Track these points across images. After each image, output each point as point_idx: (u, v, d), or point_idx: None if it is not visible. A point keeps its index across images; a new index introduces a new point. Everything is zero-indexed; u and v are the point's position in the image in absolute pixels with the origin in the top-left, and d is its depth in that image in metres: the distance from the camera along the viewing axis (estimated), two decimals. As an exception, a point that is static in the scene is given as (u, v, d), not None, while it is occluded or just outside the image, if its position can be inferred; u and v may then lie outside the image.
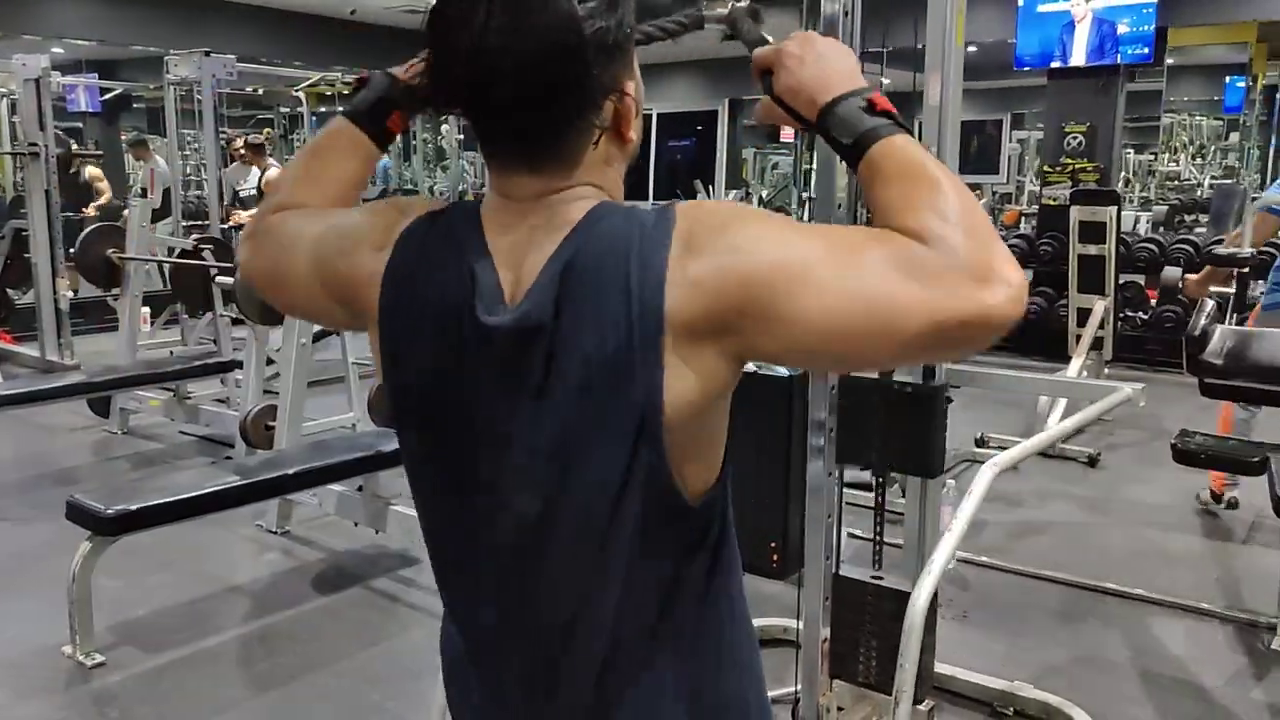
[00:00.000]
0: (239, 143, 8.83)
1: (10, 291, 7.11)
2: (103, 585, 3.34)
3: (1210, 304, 2.92)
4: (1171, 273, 4.09)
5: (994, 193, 12.49)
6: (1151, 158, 12.35)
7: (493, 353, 0.87)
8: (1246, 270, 3.77)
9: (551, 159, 0.88)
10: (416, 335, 0.91)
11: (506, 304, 0.87)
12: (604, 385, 0.83)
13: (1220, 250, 3.70)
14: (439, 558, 1.01)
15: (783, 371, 3.39)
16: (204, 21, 9.54)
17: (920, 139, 2.49)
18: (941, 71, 2.57)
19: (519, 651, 0.96)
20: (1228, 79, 11.86)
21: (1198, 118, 13.07)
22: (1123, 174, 11.75)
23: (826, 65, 0.93)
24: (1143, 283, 7.18)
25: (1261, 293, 3.80)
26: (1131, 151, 12.15)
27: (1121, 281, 7.31)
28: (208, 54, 6.99)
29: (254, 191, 8.24)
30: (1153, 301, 6.86)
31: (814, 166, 2.78)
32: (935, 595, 2.62)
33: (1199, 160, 12.42)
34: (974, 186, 13.13)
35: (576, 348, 0.84)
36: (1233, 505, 4.14)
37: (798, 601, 2.39)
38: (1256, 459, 2.88)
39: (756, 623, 3.06)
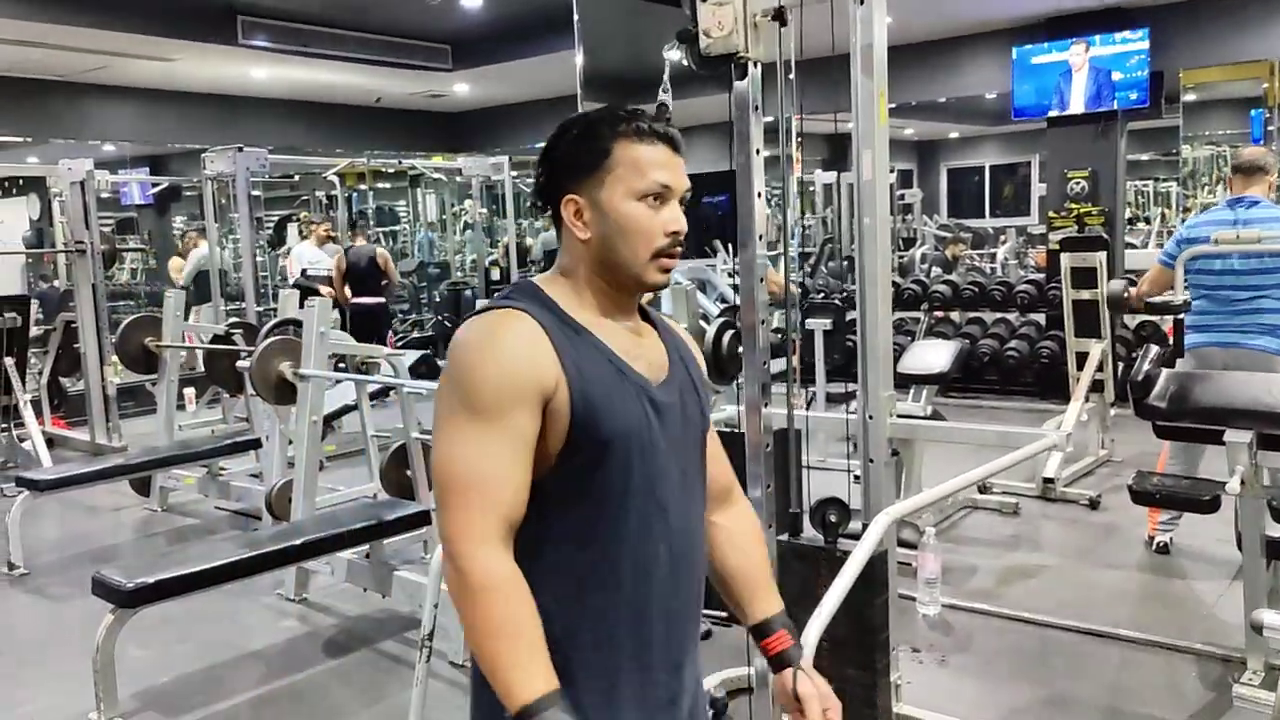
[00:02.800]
0: (324, 228, 9.33)
1: (62, 380, 7.55)
2: (132, 654, 3.60)
3: (1154, 349, 3.04)
4: (1116, 285, 4.20)
5: (1024, 234, 12.58)
6: (1186, 191, 12.32)
7: None
8: (1182, 317, 3.89)
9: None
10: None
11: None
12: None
13: (1155, 300, 3.82)
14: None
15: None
16: (239, 116, 10.11)
17: (858, 203, 2.70)
18: (873, 150, 2.78)
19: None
20: (1251, 111, 11.87)
21: (1223, 149, 13.04)
22: (1159, 209, 11.76)
23: None
24: (1160, 320, 7.22)
25: None
26: (1155, 185, 12.15)
27: (1138, 321, 7.39)
28: (241, 149, 7.43)
29: (324, 272, 8.66)
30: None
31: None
32: (886, 640, 2.75)
33: (1222, 188, 12.36)
34: (1003, 229, 13.25)
35: None
36: (1163, 550, 4.23)
37: (747, 646, 2.53)
38: (1208, 497, 2.97)
39: (733, 673, 3.17)
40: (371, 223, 13.36)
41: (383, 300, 8.97)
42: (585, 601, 1.28)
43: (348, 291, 8.65)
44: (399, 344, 9.06)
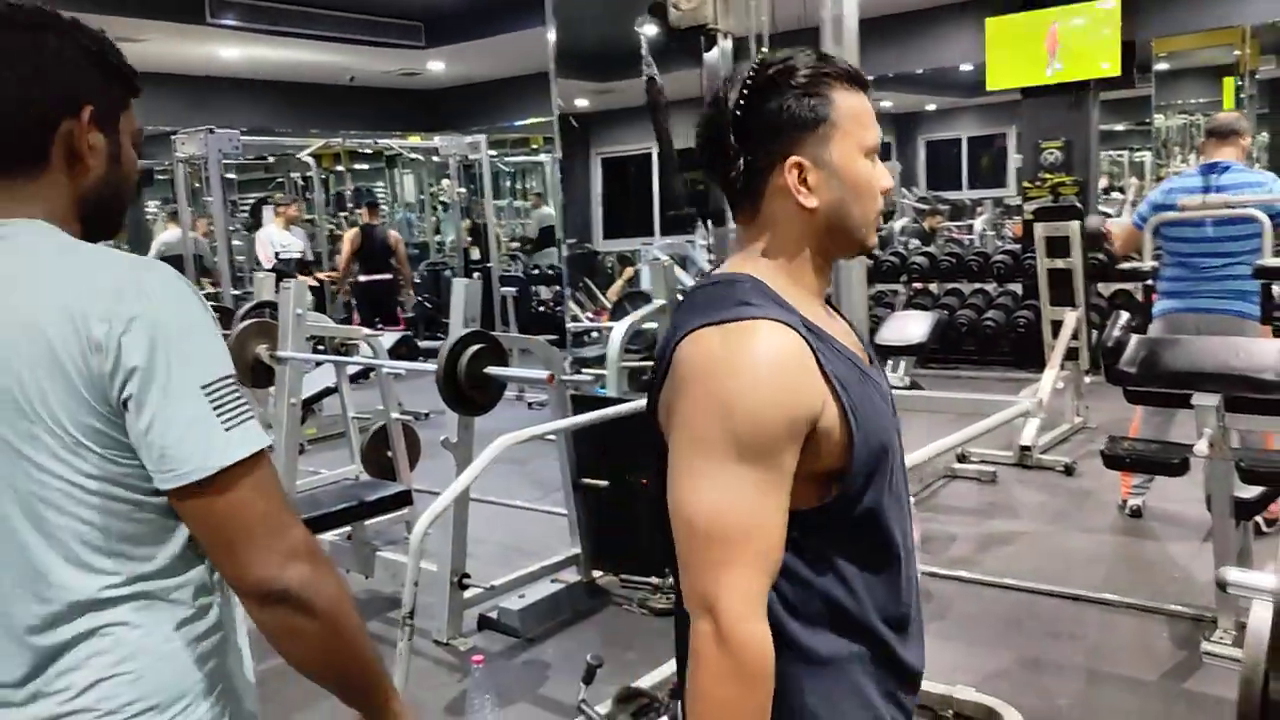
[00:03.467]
0: (293, 209, 9.37)
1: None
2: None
3: (1124, 315, 3.07)
4: (1094, 219, 4.25)
5: (1000, 206, 12.62)
6: (1159, 161, 12.41)
7: None
8: (1151, 282, 3.93)
9: (734, 211, 1.18)
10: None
11: None
12: None
13: (1125, 265, 3.86)
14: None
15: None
16: (211, 97, 10.01)
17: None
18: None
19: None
20: (1224, 79, 11.94)
21: (1196, 117, 13.12)
22: (1133, 179, 11.82)
23: None
24: (1134, 289, 7.29)
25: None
26: (1129, 154, 12.21)
27: (1113, 290, 7.46)
28: (212, 131, 7.36)
29: (296, 255, 8.81)
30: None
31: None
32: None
33: (1195, 157, 12.45)
34: (980, 200, 13.30)
35: None
36: (1136, 514, 4.30)
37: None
38: (1177, 460, 3.02)
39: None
40: (350, 204, 13.30)
41: (391, 277, 9.26)
42: (852, 666, 1.13)
43: (355, 268, 8.87)
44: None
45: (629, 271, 8.87)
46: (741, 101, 1.10)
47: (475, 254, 10.53)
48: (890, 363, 4.93)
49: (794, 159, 1.10)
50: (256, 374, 4.40)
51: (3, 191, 1.04)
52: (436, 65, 10.32)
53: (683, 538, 1.04)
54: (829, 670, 1.10)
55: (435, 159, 11.36)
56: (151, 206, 13.26)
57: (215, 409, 0.99)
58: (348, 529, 3.89)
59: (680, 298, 4.80)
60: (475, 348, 3.30)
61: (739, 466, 1.01)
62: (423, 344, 8.50)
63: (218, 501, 0.99)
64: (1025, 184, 7.58)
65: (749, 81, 1.11)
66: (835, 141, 1.11)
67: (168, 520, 1.03)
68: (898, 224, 11.35)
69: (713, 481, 1.02)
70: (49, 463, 0.98)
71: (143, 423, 0.97)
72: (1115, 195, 11.82)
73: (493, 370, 3.32)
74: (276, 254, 8.70)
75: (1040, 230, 5.38)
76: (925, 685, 2.96)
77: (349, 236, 9.28)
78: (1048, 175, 7.35)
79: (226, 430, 0.99)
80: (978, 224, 11.94)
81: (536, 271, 10.75)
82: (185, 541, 1.05)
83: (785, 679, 1.06)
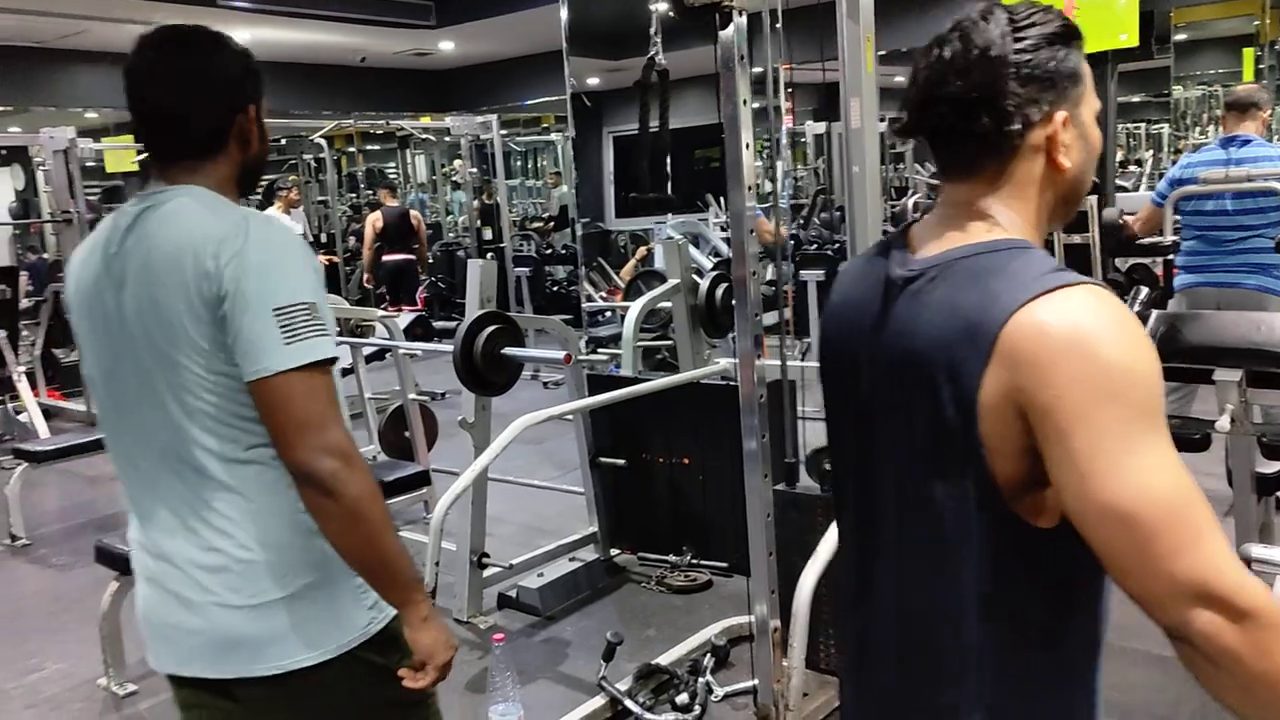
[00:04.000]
0: (294, 194, 9.40)
1: (55, 351, 7.54)
2: (138, 621, 3.63)
3: (1144, 290, 3.05)
4: (1111, 212, 4.21)
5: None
6: (1177, 133, 12.27)
7: None
8: (1171, 257, 3.89)
9: (966, 172, 1.04)
10: None
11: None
12: None
13: (1145, 240, 3.83)
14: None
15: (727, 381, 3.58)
16: (224, 80, 10.01)
17: (846, 152, 2.70)
18: (860, 98, 2.77)
19: None
20: (1243, 50, 11.79)
21: (1214, 89, 12.97)
22: (1150, 151, 11.70)
23: None
24: (1151, 263, 7.21)
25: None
26: (1146, 127, 12.09)
27: (1130, 264, 7.38)
28: (225, 113, 7.35)
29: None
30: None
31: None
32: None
33: (1214, 129, 12.32)
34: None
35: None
36: None
37: (748, 595, 2.57)
38: (1198, 435, 3.00)
39: (734, 621, 3.22)
40: (362, 185, 13.30)
41: (413, 258, 9.47)
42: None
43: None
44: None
45: (642, 251, 8.85)
46: (1021, 50, 1.00)
47: (488, 234, 10.53)
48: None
49: (1064, 114, 1.02)
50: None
51: (185, 169, 1.42)
52: (447, 45, 10.28)
53: (1136, 529, 0.87)
54: None
55: (447, 139, 11.34)
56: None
57: (280, 327, 1.30)
58: (367, 509, 3.91)
59: (695, 277, 4.78)
60: (492, 328, 3.31)
61: (1161, 433, 0.90)
62: (437, 324, 8.52)
63: (272, 396, 1.30)
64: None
65: (1022, 28, 1.01)
66: (1085, 101, 1.05)
67: None
68: (910, 200, 11.28)
69: (1155, 457, 0.88)
70: (183, 359, 1.34)
71: (230, 333, 1.31)
72: (1133, 168, 11.71)
73: (510, 351, 3.33)
74: None
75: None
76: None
77: (371, 219, 9.38)
78: (1063, 150, 7.28)
79: (286, 344, 1.29)
80: (993, 199, 11.86)
81: (550, 251, 10.74)
82: None
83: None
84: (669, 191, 2.52)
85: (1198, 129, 12.64)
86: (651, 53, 2.66)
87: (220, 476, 1.37)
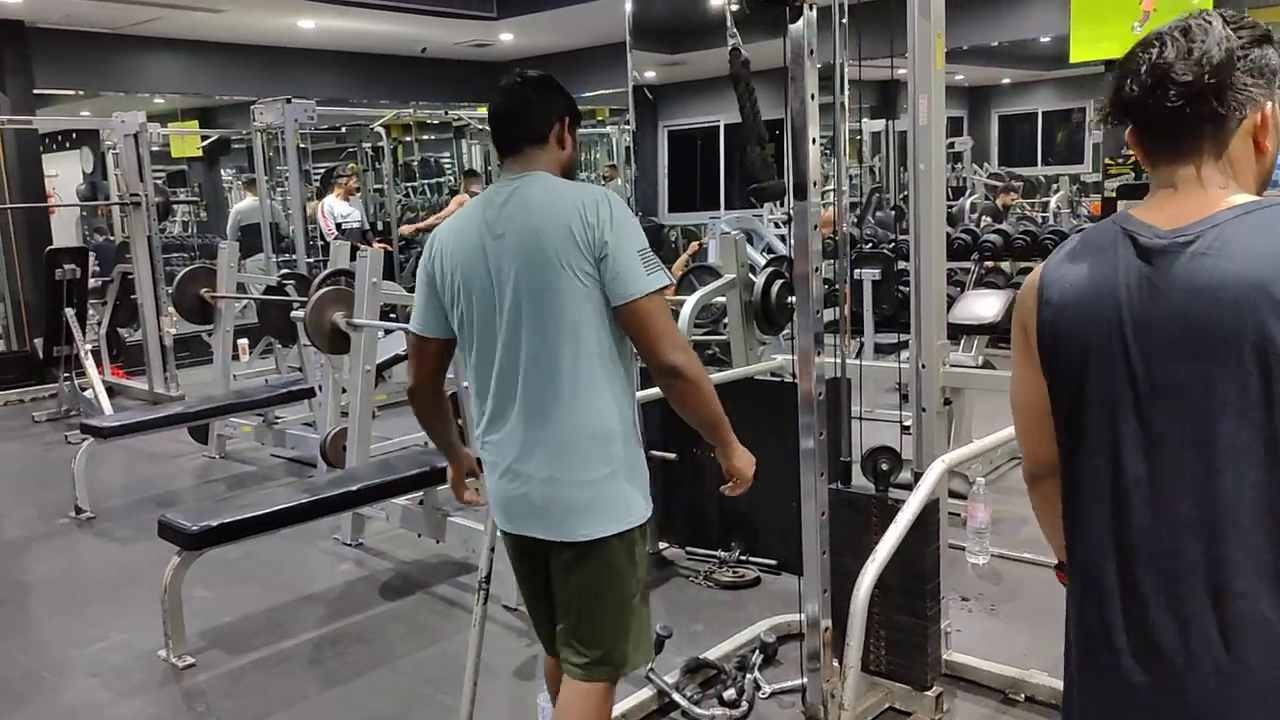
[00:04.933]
0: (352, 181, 9.53)
1: (120, 330, 7.73)
2: (198, 595, 3.73)
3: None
4: None
5: (1078, 183, 12.27)
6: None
7: None
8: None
9: (1189, 152, 1.20)
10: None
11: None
12: None
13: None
14: None
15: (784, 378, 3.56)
16: (288, 68, 10.16)
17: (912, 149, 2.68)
18: (929, 95, 2.74)
19: None
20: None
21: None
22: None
23: None
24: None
25: None
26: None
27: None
28: (289, 101, 7.47)
29: (356, 224, 8.95)
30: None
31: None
32: (937, 588, 2.76)
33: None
34: (1055, 177, 12.94)
35: None
36: None
37: (799, 593, 2.56)
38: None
39: (782, 619, 3.19)
40: (417, 174, 13.43)
41: None
42: None
43: None
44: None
45: (694, 246, 8.84)
46: (1244, 47, 1.17)
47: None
48: (963, 341, 4.85)
49: (1271, 104, 1.20)
50: (334, 340, 4.48)
51: (529, 156, 2.00)
52: (507, 36, 10.33)
53: None
54: None
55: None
56: (226, 175, 13.54)
57: (642, 262, 1.89)
58: (419, 494, 3.96)
59: (749, 274, 4.75)
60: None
61: None
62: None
63: (640, 313, 1.89)
64: (1107, 160, 7.36)
65: (1239, 29, 1.18)
66: (1278, 96, 1.22)
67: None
68: (968, 200, 11.12)
69: None
70: (569, 291, 1.88)
71: (608, 268, 1.88)
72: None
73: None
74: (338, 224, 8.84)
75: (1123, 209, 5.22)
76: (994, 667, 2.94)
77: (458, 199, 9.64)
78: (1131, 152, 7.12)
79: (647, 275, 1.89)
80: (1053, 201, 11.63)
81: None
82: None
83: None
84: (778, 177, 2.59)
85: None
86: (732, 43, 2.64)
87: (570, 375, 1.90)
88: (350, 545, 4.29)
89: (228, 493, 5.26)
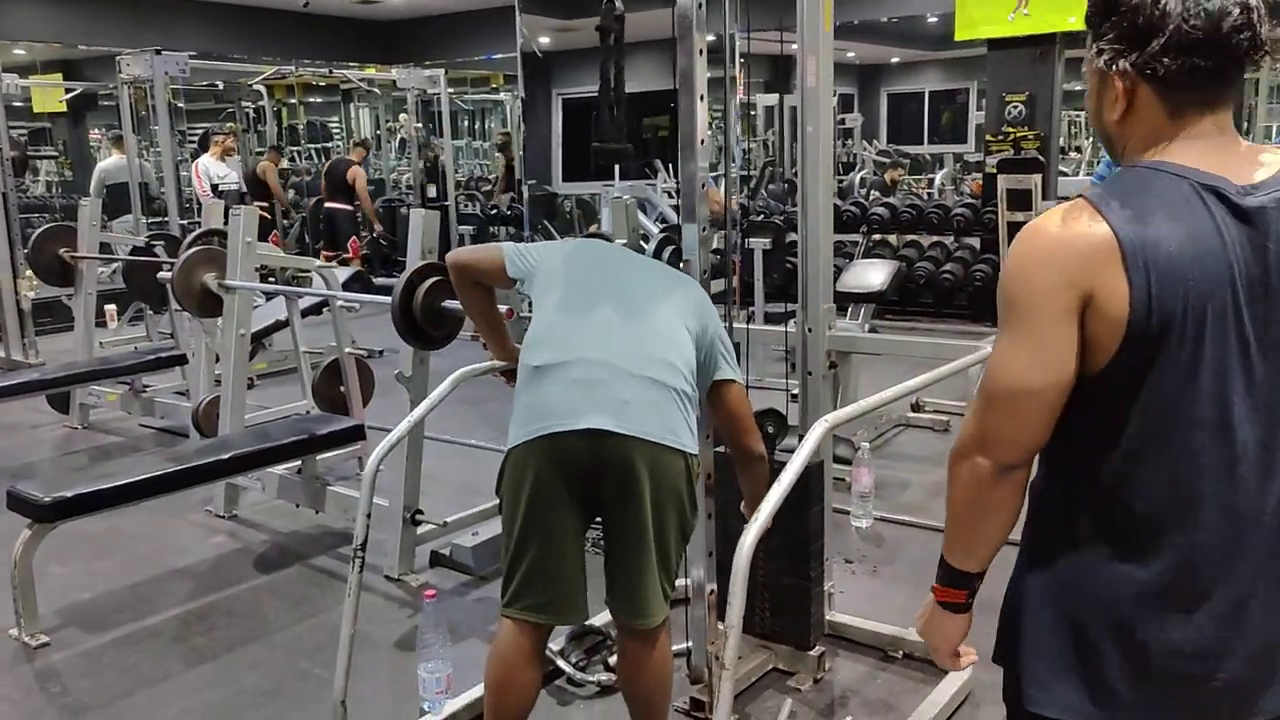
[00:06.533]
0: (230, 141, 9.12)
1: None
2: (53, 572, 3.50)
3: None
4: (1050, 205, 4.26)
5: (960, 161, 12.64)
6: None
7: None
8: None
9: (1222, 104, 1.19)
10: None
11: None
12: None
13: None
14: None
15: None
16: (158, 19, 9.60)
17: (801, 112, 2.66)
18: (816, 56, 2.73)
19: None
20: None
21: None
22: (1089, 139, 11.87)
23: None
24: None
25: None
26: (1085, 115, 12.26)
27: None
28: (158, 52, 7.07)
29: (233, 186, 8.60)
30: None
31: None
32: (820, 549, 2.78)
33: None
34: (940, 155, 13.30)
35: None
36: None
37: (684, 559, 2.54)
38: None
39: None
40: (303, 139, 12.95)
41: (350, 208, 9.63)
42: None
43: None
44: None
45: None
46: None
47: (432, 191, 10.34)
48: (850, 309, 4.93)
49: None
50: (204, 303, 4.26)
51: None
52: (395, -6, 10.03)
53: None
54: None
55: (394, 94, 11.06)
56: (96, 134, 12.81)
57: (726, 356, 2.24)
58: (298, 462, 3.81)
59: (641, 241, 4.73)
60: (433, 280, 3.21)
61: None
62: (377, 280, 8.35)
63: (731, 399, 2.24)
64: (988, 137, 7.56)
65: None
66: None
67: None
68: (858, 175, 11.33)
69: None
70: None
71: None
72: (1073, 155, 11.90)
73: (450, 304, 3.24)
74: (214, 185, 8.47)
75: (1003, 183, 5.39)
76: (874, 626, 2.98)
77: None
78: (1011, 129, 7.33)
79: (732, 366, 2.25)
80: (938, 178, 11.96)
81: (495, 211, 10.58)
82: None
83: None
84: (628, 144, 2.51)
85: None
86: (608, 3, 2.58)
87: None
88: (224, 517, 4.10)
89: (90, 463, 4.98)
